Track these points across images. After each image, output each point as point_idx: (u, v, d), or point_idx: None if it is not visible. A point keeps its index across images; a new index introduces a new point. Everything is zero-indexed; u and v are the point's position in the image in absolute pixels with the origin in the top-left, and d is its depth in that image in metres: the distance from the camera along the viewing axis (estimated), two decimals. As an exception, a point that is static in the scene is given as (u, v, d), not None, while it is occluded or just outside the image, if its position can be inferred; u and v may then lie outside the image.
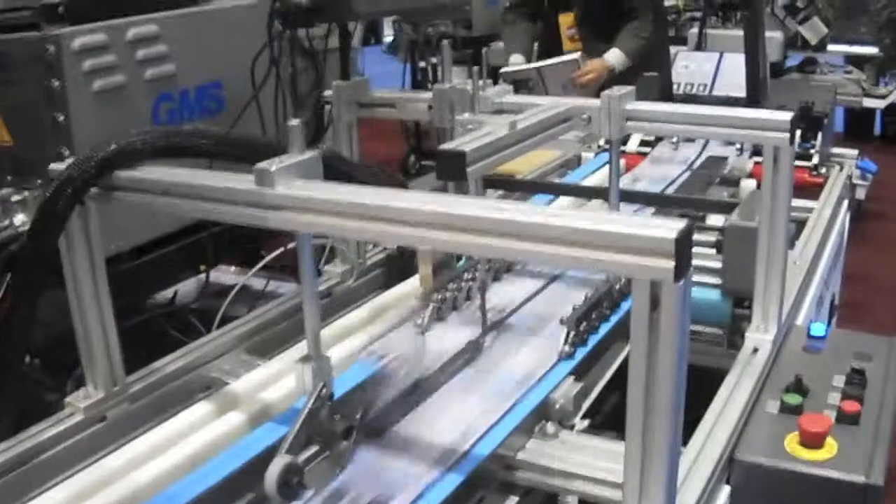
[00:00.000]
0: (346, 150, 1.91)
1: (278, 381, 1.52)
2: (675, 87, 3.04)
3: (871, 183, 5.89)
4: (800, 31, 4.83)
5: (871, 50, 6.22)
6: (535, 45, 4.10)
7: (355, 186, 1.08)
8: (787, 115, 1.51)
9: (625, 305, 1.70)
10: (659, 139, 3.03)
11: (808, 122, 2.90)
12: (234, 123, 1.88)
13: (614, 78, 3.62)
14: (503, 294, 1.81)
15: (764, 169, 1.55)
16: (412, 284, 1.85)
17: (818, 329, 1.69)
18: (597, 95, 1.63)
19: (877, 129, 7.19)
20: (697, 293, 1.81)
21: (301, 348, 1.76)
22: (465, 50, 5.97)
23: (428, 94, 1.76)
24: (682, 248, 0.87)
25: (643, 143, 2.99)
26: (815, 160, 2.82)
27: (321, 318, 1.83)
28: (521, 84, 3.53)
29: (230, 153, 1.36)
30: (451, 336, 1.62)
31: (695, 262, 1.85)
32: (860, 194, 3.00)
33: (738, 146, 2.90)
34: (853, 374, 1.50)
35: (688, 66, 3.07)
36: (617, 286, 1.72)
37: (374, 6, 1.71)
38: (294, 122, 1.14)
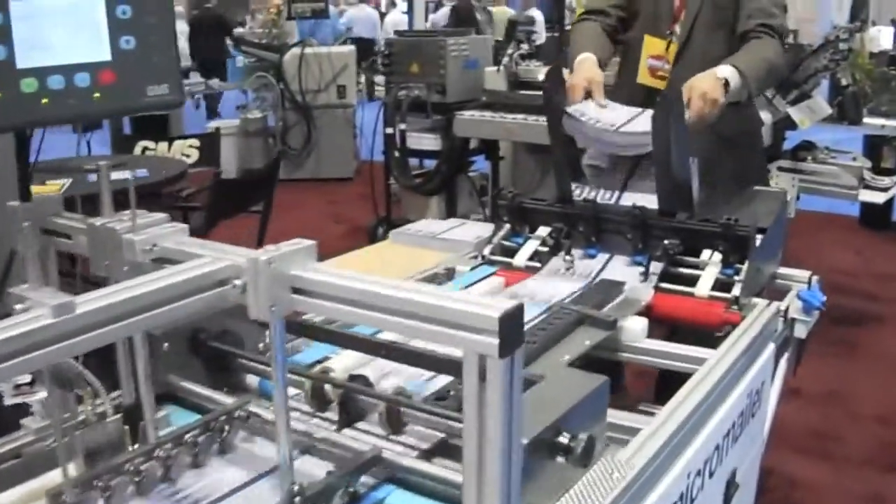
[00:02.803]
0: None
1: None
2: (577, 190, 2.53)
3: (872, 280, 5.21)
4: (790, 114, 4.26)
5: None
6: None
7: None
8: (496, 310, 1.00)
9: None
10: (553, 252, 2.51)
11: (732, 242, 2.33)
12: None
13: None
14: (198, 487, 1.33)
15: (465, 382, 1.03)
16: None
17: None
18: None
19: (895, 216, 6.58)
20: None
21: None
22: (435, 116, 5.55)
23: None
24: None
25: (534, 257, 2.48)
26: (737, 291, 2.24)
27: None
28: None
29: None
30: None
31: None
32: (800, 332, 2.41)
33: (642, 269, 2.36)
34: None
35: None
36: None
37: (16, 120, 1.29)
38: None
